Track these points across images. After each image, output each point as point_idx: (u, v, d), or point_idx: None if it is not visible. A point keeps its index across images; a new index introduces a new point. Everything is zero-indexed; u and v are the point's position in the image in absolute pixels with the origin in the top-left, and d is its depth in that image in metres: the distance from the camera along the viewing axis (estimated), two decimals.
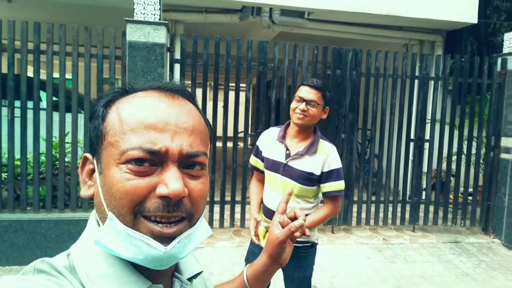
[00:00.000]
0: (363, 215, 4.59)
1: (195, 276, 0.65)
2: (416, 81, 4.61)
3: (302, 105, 1.82)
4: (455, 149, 4.68)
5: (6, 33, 3.45)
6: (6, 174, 3.57)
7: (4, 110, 3.54)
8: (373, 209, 4.61)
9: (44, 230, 3.42)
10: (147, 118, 0.53)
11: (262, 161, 2.00)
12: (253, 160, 2.09)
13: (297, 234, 0.84)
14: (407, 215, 4.65)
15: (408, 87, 4.52)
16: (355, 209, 4.56)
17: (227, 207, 4.29)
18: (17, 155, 3.62)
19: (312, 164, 1.84)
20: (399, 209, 4.65)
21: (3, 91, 3.54)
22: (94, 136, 0.56)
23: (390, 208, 4.66)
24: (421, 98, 4.57)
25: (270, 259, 0.84)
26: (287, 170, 1.86)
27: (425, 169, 4.68)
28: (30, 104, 3.59)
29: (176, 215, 0.53)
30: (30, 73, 3.65)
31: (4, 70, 3.53)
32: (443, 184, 4.79)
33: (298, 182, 1.84)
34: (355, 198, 4.56)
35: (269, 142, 1.98)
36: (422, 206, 4.70)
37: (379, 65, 4.39)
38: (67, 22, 3.65)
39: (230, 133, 4.24)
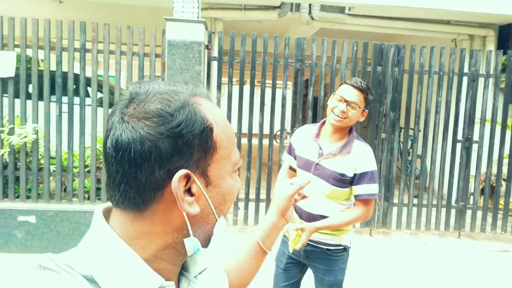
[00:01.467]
0: (404, 218, 4.40)
1: (201, 272, 0.65)
2: (465, 78, 4.34)
3: (343, 106, 1.74)
4: (506, 151, 4.36)
5: (54, 32, 3.64)
6: (54, 166, 3.78)
7: (52, 106, 3.75)
8: (414, 212, 4.41)
9: (88, 221, 3.59)
10: (233, 130, 0.61)
11: (295, 158, 1.95)
12: (287, 157, 2.04)
13: (297, 197, 0.95)
14: (452, 221, 4.40)
15: (456, 84, 4.27)
16: (395, 211, 4.38)
17: (262, 205, 4.27)
18: (64, 149, 3.82)
19: (344, 165, 1.77)
20: (443, 214, 4.41)
21: (52, 87, 3.75)
22: (198, 149, 0.53)
23: (434, 213, 4.43)
24: (469, 96, 4.30)
25: (278, 214, 0.93)
26: (318, 170, 1.80)
27: (473, 172, 4.39)
28: (76, 100, 3.78)
29: None
30: (76, 71, 3.84)
31: (53, 67, 3.73)
32: (493, 189, 4.48)
33: (329, 183, 1.78)
34: (395, 201, 4.38)
35: (303, 140, 1.91)
36: (469, 212, 4.43)
37: (424, 61, 4.18)
38: (111, 22, 3.79)
39: (266, 130, 4.22)
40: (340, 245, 1.87)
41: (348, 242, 1.92)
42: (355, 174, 1.76)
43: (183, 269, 0.62)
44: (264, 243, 0.91)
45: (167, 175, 0.51)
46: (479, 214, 4.39)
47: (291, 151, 1.99)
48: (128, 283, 0.51)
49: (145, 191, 0.52)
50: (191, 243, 0.56)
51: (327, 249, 1.86)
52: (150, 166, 0.50)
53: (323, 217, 1.78)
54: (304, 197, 0.97)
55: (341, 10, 5.24)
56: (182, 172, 0.51)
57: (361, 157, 1.77)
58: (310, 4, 5.19)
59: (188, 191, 0.53)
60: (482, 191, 4.52)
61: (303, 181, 0.93)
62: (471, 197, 4.50)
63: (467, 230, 4.41)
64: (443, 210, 4.41)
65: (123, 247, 0.53)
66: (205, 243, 0.58)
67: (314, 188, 1.81)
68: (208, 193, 0.55)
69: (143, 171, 0.51)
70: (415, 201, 4.41)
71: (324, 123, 1.88)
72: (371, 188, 1.76)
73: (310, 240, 1.82)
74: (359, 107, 1.75)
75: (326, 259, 1.87)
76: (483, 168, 4.46)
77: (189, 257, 0.60)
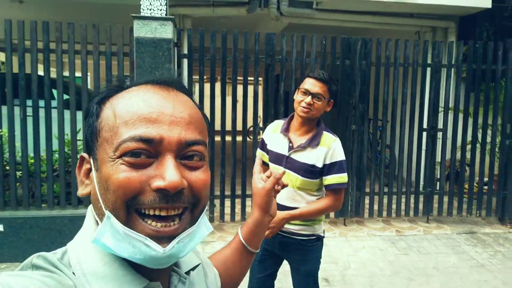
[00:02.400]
0: (376, 206, 4.54)
1: (192, 269, 0.65)
2: (428, 69, 4.52)
3: (308, 99, 1.79)
4: (469, 137, 4.58)
5: (16, 33, 3.50)
6: (20, 172, 3.65)
7: (16, 109, 3.60)
8: (385, 200, 4.56)
9: (59, 227, 3.49)
10: (140, 109, 0.52)
11: (267, 153, 2.00)
12: (259, 153, 2.09)
13: (277, 187, 0.92)
14: (420, 206, 4.58)
15: (420, 75, 4.43)
16: (367, 201, 4.51)
17: (238, 201, 4.30)
18: (31, 153, 3.69)
19: (314, 157, 1.82)
20: (412, 200, 4.59)
21: (15, 90, 3.60)
22: (89, 134, 0.55)
23: (403, 200, 4.61)
24: (433, 87, 4.48)
25: (261, 211, 0.89)
26: (289, 163, 1.85)
27: (438, 159, 4.59)
28: (41, 102, 3.65)
29: (177, 205, 0.51)
30: (40, 72, 3.70)
31: (15, 69, 3.58)
32: (458, 174, 4.70)
33: (300, 175, 1.83)
34: (367, 190, 4.52)
35: (274, 135, 1.97)
36: (436, 197, 4.63)
37: (389, 54, 4.31)
38: (75, 21, 3.68)
39: (239, 127, 4.23)
40: (313, 235, 1.93)
41: (321, 232, 1.98)
42: (324, 165, 1.82)
43: (176, 266, 0.62)
44: (250, 242, 0.88)
45: None
46: (446, 199, 4.59)
47: (263, 147, 2.04)
48: (109, 284, 0.51)
49: None
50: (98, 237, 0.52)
51: (301, 239, 1.91)
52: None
53: (295, 208, 1.84)
54: (284, 185, 0.95)
55: (309, 5, 5.30)
56: (80, 154, 0.58)
57: (329, 148, 1.82)
58: (278, 0, 5.22)
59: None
60: (448, 177, 4.73)
61: (277, 173, 0.92)
62: (438, 182, 4.70)
63: (435, 214, 4.61)
64: (412, 196, 4.59)
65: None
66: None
67: (287, 181, 1.85)
68: (97, 177, 0.54)
69: None
70: (386, 189, 4.57)
71: (292, 117, 1.94)
72: (340, 178, 1.82)
73: (284, 232, 1.88)
74: (324, 98, 1.81)
75: (300, 249, 1.92)
76: (448, 155, 4.66)
77: None
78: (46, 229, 3.48)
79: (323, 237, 2.00)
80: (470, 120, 4.54)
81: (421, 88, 4.45)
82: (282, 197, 1.89)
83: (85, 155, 0.57)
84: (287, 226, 1.86)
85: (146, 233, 0.50)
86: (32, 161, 3.67)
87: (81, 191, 0.57)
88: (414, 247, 3.90)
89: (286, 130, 1.91)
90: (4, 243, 3.41)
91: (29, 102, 3.62)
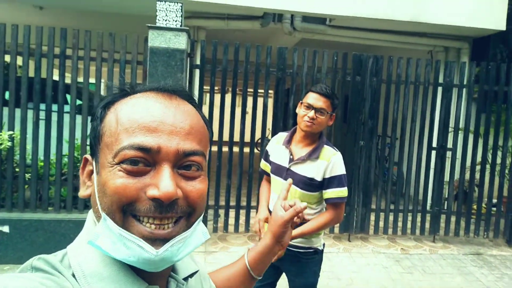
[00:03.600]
0: (381, 223, 4.50)
1: (191, 276, 0.65)
2: (440, 89, 4.51)
3: (311, 113, 1.81)
4: (479, 158, 4.54)
5: (34, 39, 3.59)
6: (29, 174, 3.70)
7: (30, 112, 3.67)
8: (391, 218, 4.52)
9: (64, 230, 3.52)
10: (141, 118, 0.53)
11: (270, 165, 2.03)
12: (263, 164, 2.12)
13: (296, 219, 0.90)
14: (427, 225, 4.53)
15: (431, 94, 4.42)
16: (373, 217, 4.47)
17: (243, 212, 4.29)
18: (41, 156, 3.74)
19: (313, 170, 1.83)
20: (419, 219, 4.54)
21: (29, 94, 3.68)
22: (93, 137, 0.57)
23: (410, 218, 4.56)
24: (444, 106, 4.46)
25: (274, 240, 0.88)
26: (289, 175, 1.86)
27: (447, 178, 4.55)
28: (54, 107, 3.72)
29: (170, 215, 0.52)
30: (55, 77, 3.78)
31: (31, 74, 3.67)
32: (466, 194, 4.64)
33: (299, 188, 1.84)
34: (373, 206, 4.48)
35: (276, 146, 2.00)
36: (443, 217, 4.57)
37: (401, 72, 4.32)
38: (92, 29, 3.76)
39: (247, 138, 4.25)
40: (310, 248, 1.92)
41: (319, 245, 1.96)
42: (324, 179, 1.82)
43: (173, 272, 0.62)
44: (255, 269, 0.86)
45: None
46: (453, 218, 4.53)
47: (267, 158, 2.07)
48: (111, 286, 0.51)
49: None
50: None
51: (298, 252, 1.91)
52: None
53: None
54: (304, 220, 0.93)
55: (322, 21, 5.35)
56: (84, 156, 0.59)
57: (329, 162, 1.82)
58: (292, 15, 5.28)
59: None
60: (456, 197, 4.67)
61: (299, 206, 0.90)
62: (445, 202, 4.65)
63: (442, 234, 4.55)
64: (419, 215, 4.54)
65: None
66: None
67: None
68: (97, 181, 0.55)
69: None
70: (392, 206, 4.53)
71: (295, 130, 1.96)
72: (340, 192, 1.82)
73: None
74: (327, 112, 1.83)
75: (297, 261, 1.92)
76: (457, 175, 4.62)
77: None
78: (51, 232, 3.50)
79: (322, 250, 1.99)
80: (480, 141, 4.50)
81: (431, 107, 4.44)
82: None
83: (89, 157, 0.59)
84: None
85: (141, 235, 0.50)
86: (42, 164, 3.73)
87: (82, 192, 0.59)
88: (419, 266, 3.84)
89: (288, 142, 1.93)
90: (9, 244, 3.44)
91: (42, 106, 3.70)
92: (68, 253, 0.54)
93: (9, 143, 3.55)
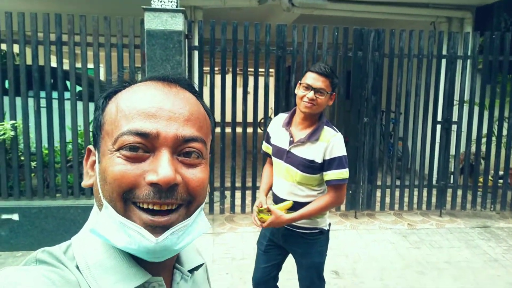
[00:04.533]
0: (387, 200, 4.50)
1: (196, 268, 0.65)
2: (443, 61, 4.42)
3: (310, 94, 1.77)
4: (485, 130, 4.48)
5: (29, 26, 3.54)
6: (35, 163, 3.71)
7: (30, 101, 3.66)
8: (397, 193, 4.51)
9: (72, 216, 3.56)
10: (140, 104, 0.53)
11: (272, 147, 2.00)
12: (265, 146, 2.10)
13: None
14: (433, 200, 4.52)
15: (435, 67, 4.34)
16: (378, 193, 4.47)
17: (248, 193, 4.30)
18: (45, 144, 3.75)
19: (313, 152, 1.80)
20: (425, 194, 4.53)
21: (29, 82, 3.65)
22: (95, 127, 0.57)
23: (416, 193, 4.55)
24: (448, 78, 4.38)
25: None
26: (289, 157, 1.85)
27: (452, 152, 4.51)
28: (54, 94, 3.70)
29: (169, 202, 0.51)
30: (53, 64, 3.75)
31: (29, 61, 3.63)
32: (472, 167, 4.62)
33: (299, 170, 1.83)
34: (379, 183, 4.47)
35: (277, 128, 1.97)
36: (449, 191, 4.56)
37: (403, 45, 4.23)
38: (87, 13, 3.70)
39: (250, 118, 4.22)
40: (316, 228, 1.91)
41: (325, 225, 1.95)
42: (324, 160, 1.80)
43: (178, 264, 0.63)
44: None
45: None
46: (460, 192, 4.52)
47: (268, 140, 2.04)
48: (113, 277, 0.51)
49: None
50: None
51: (302, 232, 1.91)
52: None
53: (297, 202, 1.85)
54: None
55: None
56: (88, 146, 0.60)
57: (328, 143, 1.79)
58: None
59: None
60: (462, 170, 4.65)
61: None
62: (452, 176, 4.63)
63: (448, 208, 4.55)
64: (425, 190, 4.53)
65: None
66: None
67: (287, 175, 1.87)
68: (98, 169, 0.55)
69: None
70: (398, 182, 4.51)
71: (295, 111, 1.91)
72: (340, 174, 1.79)
73: (287, 224, 1.87)
74: (327, 92, 1.79)
75: (302, 242, 1.92)
76: (462, 148, 4.58)
77: (183, 252, 0.63)
78: (60, 218, 3.54)
79: (328, 230, 1.98)
80: (486, 113, 4.44)
81: (435, 80, 4.36)
82: (283, 191, 1.91)
83: (91, 147, 0.59)
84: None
85: (142, 222, 0.50)
86: (47, 152, 3.74)
87: (85, 182, 0.59)
88: (426, 241, 3.85)
89: (287, 124, 1.90)
90: (19, 232, 3.49)
91: (42, 94, 3.68)
92: (73, 244, 0.54)
93: (12, 133, 3.56)
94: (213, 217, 4.24)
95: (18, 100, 3.62)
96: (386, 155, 4.55)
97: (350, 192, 4.38)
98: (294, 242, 1.93)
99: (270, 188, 2.06)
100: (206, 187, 0.57)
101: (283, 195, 1.90)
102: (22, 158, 3.73)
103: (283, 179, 1.90)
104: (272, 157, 1.98)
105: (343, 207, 4.49)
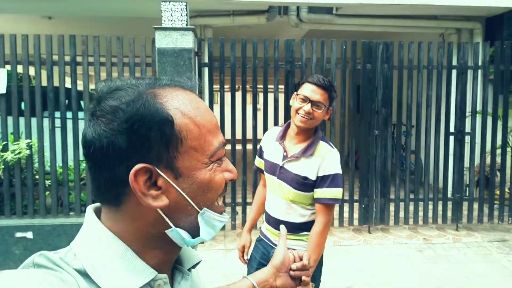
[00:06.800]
0: (402, 214, 4.42)
1: (194, 266, 0.67)
2: (454, 71, 4.39)
3: (307, 106, 1.66)
4: (499, 141, 4.40)
5: (44, 48, 3.65)
6: (49, 181, 3.77)
7: (45, 121, 3.75)
8: (412, 207, 4.43)
9: None
10: (209, 118, 0.58)
11: (264, 162, 1.90)
12: (257, 161, 1.98)
13: (305, 278, 0.96)
14: (449, 213, 4.42)
15: (445, 78, 4.31)
16: (392, 207, 4.40)
17: None
18: (59, 163, 3.81)
19: (307, 168, 1.70)
20: (440, 207, 4.44)
21: (44, 103, 3.75)
22: (157, 141, 0.52)
23: (431, 207, 4.46)
24: (459, 89, 4.34)
25: (274, 271, 0.93)
26: (282, 173, 1.75)
27: (467, 164, 4.43)
28: (69, 114, 3.79)
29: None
30: (68, 85, 3.84)
31: (44, 82, 3.73)
32: (488, 180, 4.52)
33: (292, 187, 1.72)
34: (392, 196, 4.40)
35: (270, 142, 1.86)
36: (465, 204, 4.45)
37: (412, 57, 4.22)
38: (100, 34, 3.80)
39: (260, 135, 4.22)
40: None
41: None
42: (317, 177, 1.69)
43: (177, 264, 0.64)
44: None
45: (126, 170, 0.51)
46: (476, 205, 4.41)
47: (261, 155, 1.93)
48: (120, 276, 0.52)
49: (112, 187, 0.54)
50: (175, 234, 0.56)
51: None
52: (110, 162, 0.52)
53: (290, 223, 1.73)
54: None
55: (328, 11, 5.28)
56: (137, 166, 0.51)
57: (323, 159, 1.69)
58: (298, 7, 5.23)
59: (155, 185, 0.53)
60: (477, 182, 4.55)
61: (306, 261, 0.95)
62: (467, 188, 4.53)
63: (465, 222, 4.44)
64: (440, 203, 4.44)
65: (115, 241, 0.54)
66: (194, 233, 0.58)
67: (280, 192, 1.77)
68: (180, 184, 0.54)
69: (105, 168, 0.53)
70: (412, 195, 4.44)
71: (289, 124, 1.80)
72: (331, 193, 1.67)
73: (276, 245, 1.80)
74: (324, 106, 1.69)
75: None
76: (477, 160, 4.49)
77: (182, 251, 0.64)
78: (73, 236, 3.45)
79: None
80: (499, 123, 4.37)
81: (446, 91, 4.32)
82: (276, 210, 1.81)
83: (148, 166, 0.52)
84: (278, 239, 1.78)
85: (220, 212, 0.61)
86: (61, 170, 3.80)
87: (158, 203, 0.53)
88: (443, 256, 3.76)
89: (281, 138, 1.79)
90: (33, 250, 3.51)
91: (57, 114, 3.76)
92: (73, 249, 0.55)
93: (28, 151, 3.64)
94: (224, 233, 4.22)
95: (34, 120, 3.71)
96: (399, 168, 4.49)
97: (363, 206, 4.32)
98: None
99: (259, 216, 2.01)
100: None
101: (276, 214, 1.80)
102: (37, 176, 3.79)
103: (276, 197, 1.79)
104: (265, 173, 1.87)
105: (356, 221, 4.42)
